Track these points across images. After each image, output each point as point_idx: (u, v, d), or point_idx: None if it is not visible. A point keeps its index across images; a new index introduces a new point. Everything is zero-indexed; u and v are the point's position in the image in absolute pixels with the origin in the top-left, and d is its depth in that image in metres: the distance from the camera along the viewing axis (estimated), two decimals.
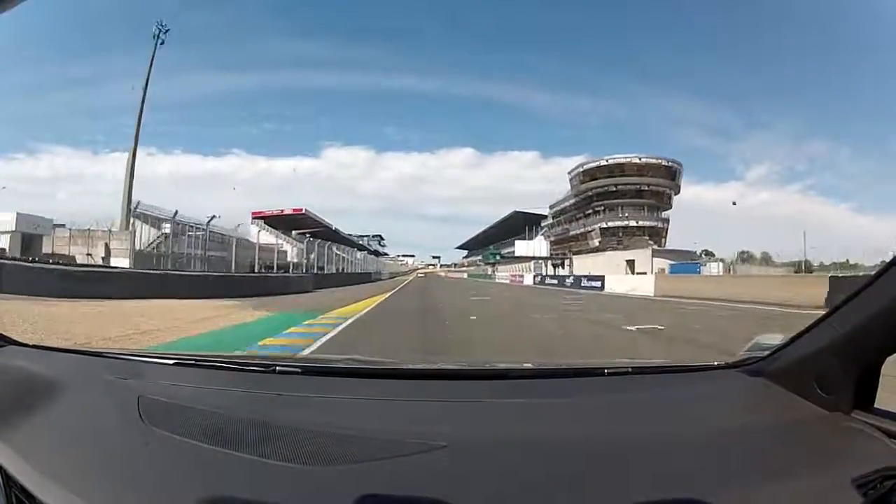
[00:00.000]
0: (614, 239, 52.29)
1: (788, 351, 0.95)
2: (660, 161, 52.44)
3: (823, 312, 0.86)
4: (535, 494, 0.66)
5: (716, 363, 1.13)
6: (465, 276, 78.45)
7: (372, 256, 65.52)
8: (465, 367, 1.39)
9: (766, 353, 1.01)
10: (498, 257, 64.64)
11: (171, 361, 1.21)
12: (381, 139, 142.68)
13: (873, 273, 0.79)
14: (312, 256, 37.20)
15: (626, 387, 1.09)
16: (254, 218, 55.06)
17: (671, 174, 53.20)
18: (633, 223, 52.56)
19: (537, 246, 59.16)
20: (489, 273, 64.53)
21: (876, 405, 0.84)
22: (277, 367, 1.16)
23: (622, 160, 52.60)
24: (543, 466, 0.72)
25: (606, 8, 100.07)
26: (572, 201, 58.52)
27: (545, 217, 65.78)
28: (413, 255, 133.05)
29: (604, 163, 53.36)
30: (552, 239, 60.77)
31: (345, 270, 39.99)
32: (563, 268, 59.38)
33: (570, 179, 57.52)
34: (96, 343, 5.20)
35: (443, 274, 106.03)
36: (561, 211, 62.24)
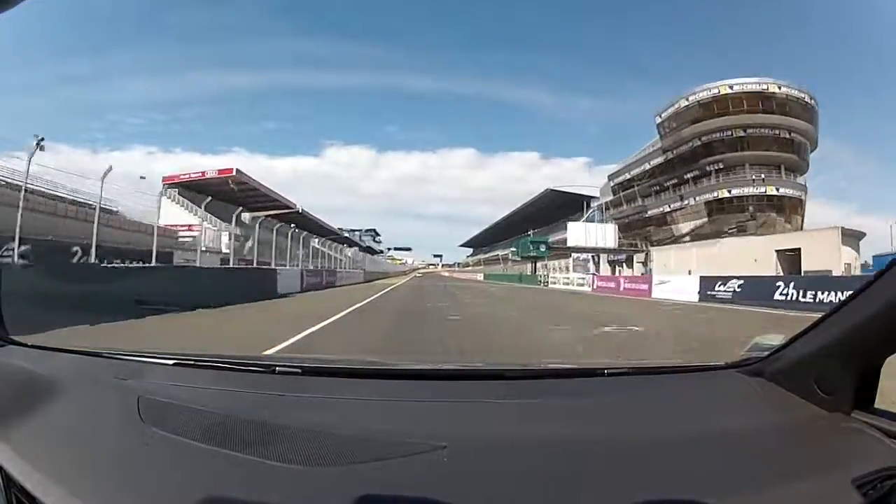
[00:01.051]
0: (741, 217, 32.66)
1: (788, 351, 0.95)
2: (803, 95, 32.89)
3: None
4: (535, 495, 0.66)
5: (716, 363, 1.13)
6: (481, 276, 58.57)
7: (362, 254, 51.60)
8: (465, 367, 1.39)
9: (766, 353, 1.01)
10: (544, 248, 40.21)
11: (171, 361, 1.19)
12: (383, 138, 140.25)
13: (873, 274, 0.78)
14: (249, 244, 26.47)
15: (626, 387, 1.10)
16: (167, 185, 35.85)
17: (813, 117, 33.66)
18: (772, 190, 32.66)
19: (601, 233, 39.01)
20: (529, 273, 42.43)
21: (876, 405, 0.84)
22: (277, 368, 1.14)
23: (755, 86, 32.08)
24: (543, 466, 0.72)
25: (607, 8, 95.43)
26: (659, 160, 37.57)
27: (594, 197, 45.67)
28: (409, 249, 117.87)
29: (726, 90, 32.10)
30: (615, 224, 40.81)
31: (278, 269, 21.48)
32: (629, 266, 39.81)
33: (660, 125, 36.52)
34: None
35: (446, 274, 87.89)
36: (631, 181, 40.99)
